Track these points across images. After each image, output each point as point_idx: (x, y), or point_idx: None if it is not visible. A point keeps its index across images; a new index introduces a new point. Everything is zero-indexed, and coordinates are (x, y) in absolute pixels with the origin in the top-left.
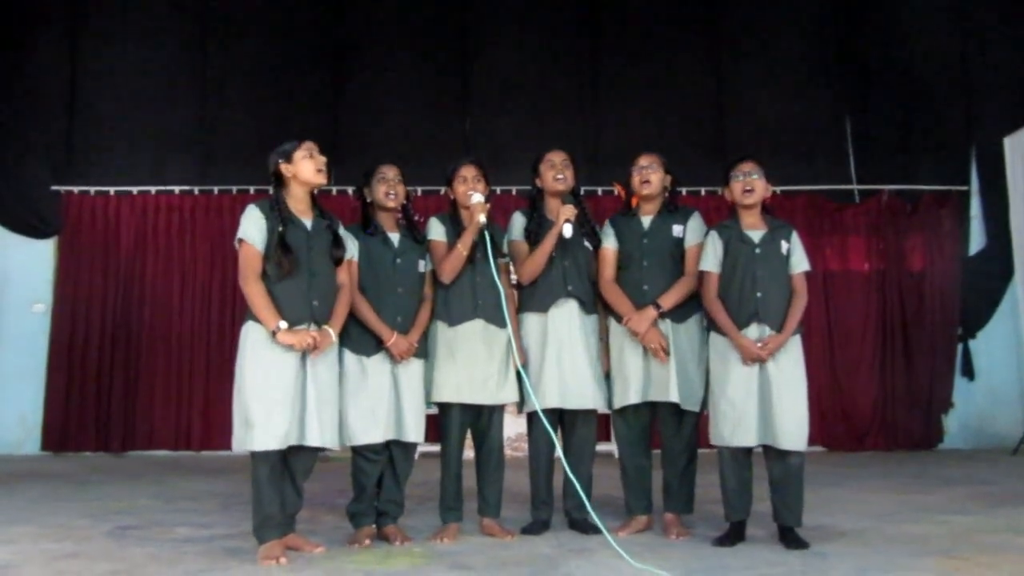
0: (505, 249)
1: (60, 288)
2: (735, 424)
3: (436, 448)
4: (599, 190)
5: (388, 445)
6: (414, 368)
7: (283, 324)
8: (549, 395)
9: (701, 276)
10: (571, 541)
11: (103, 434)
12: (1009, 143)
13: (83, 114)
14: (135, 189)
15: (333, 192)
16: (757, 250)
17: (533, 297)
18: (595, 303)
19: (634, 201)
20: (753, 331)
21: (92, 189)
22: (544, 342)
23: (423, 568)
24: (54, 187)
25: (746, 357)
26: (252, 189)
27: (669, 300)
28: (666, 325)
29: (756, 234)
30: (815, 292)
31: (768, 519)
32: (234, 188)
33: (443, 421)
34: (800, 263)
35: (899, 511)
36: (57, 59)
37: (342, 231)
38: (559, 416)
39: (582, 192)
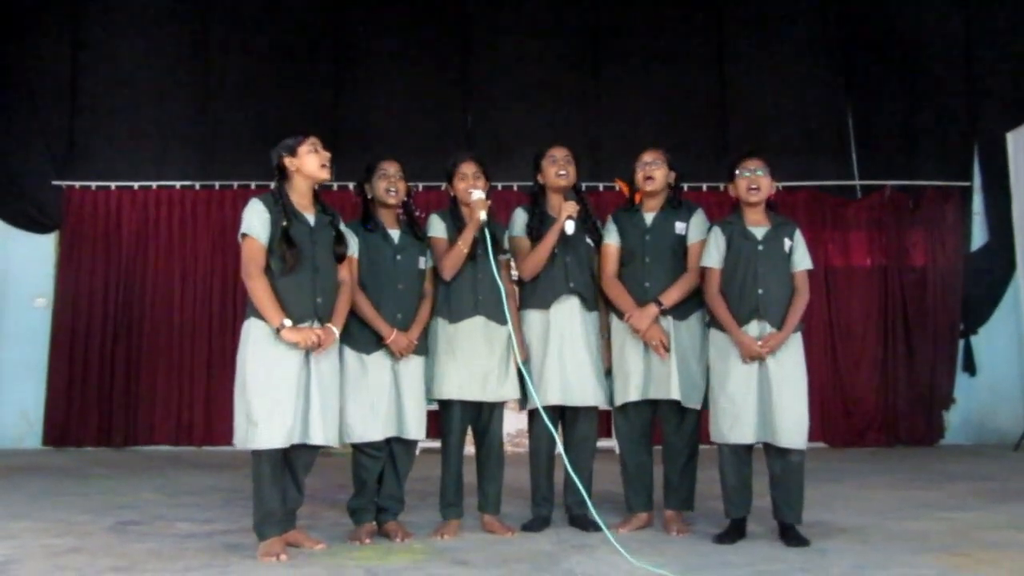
0: (506, 245)
1: (61, 283)
2: (734, 420)
3: (437, 444)
4: (600, 186)
5: (389, 441)
6: (414, 365)
7: (287, 321)
8: (550, 392)
9: (703, 272)
10: (572, 537)
11: (105, 429)
12: (1012, 138)
13: (84, 108)
14: (136, 184)
15: (334, 188)
16: (760, 247)
17: (535, 293)
18: (597, 300)
19: (637, 197)
20: (754, 328)
21: (93, 184)
22: (546, 338)
23: (423, 564)
24: (55, 182)
25: (746, 354)
26: (253, 184)
27: (671, 297)
28: (667, 322)
29: (759, 231)
30: (817, 287)
31: (769, 516)
32: (235, 183)
33: (444, 418)
34: (802, 261)
35: (900, 507)
36: (58, 54)
37: (343, 227)
38: (560, 412)
39: (584, 188)
